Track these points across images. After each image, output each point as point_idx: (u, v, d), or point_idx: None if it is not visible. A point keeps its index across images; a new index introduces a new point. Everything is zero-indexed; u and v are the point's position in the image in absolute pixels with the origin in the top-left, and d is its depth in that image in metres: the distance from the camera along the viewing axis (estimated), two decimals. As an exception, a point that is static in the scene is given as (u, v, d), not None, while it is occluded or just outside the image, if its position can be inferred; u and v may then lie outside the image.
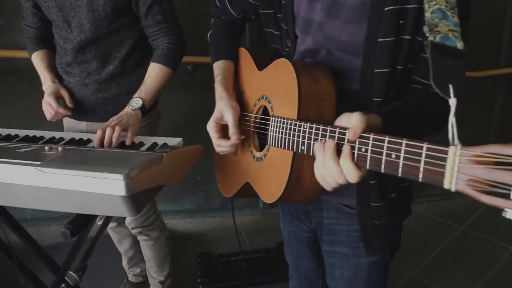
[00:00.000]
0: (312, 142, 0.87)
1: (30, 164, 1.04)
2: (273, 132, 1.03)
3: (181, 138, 1.38)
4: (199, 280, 1.94)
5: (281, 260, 1.99)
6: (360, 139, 0.74)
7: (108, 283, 2.36)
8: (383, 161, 0.70)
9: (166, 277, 2.10)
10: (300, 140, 0.91)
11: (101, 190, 0.99)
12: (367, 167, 0.74)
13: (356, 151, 0.75)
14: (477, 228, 3.05)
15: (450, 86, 0.69)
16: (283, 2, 1.08)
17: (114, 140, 1.31)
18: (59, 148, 1.18)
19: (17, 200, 1.13)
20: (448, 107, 0.98)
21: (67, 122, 1.80)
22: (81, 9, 1.53)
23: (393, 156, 0.68)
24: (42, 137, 1.45)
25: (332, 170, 0.78)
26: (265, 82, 1.14)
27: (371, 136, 0.72)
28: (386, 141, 0.70)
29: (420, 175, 0.64)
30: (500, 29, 3.22)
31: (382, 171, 0.71)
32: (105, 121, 1.57)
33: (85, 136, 1.44)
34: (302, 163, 0.97)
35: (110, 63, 1.64)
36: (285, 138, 0.97)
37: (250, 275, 1.94)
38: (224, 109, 1.14)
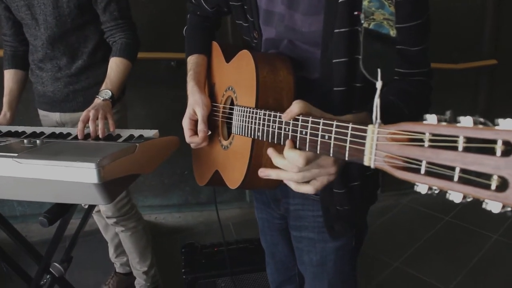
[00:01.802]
0: (265, 128, 0.91)
1: (7, 156, 1.08)
2: (236, 121, 1.08)
3: (157, 130, 1.42)
4: (183, 270, 1.98)
5: (263, 250, 2.04)
6: (302, 123, 0.78)
7: (96, 276, 2.41)
8: (319, 143, 0.74)
9: (149, 267, 2.15)
10: (256, 126, 0.96)
11: (75, 178, 1.03)
12: (307, 149, 0.77)
13: (298, 135, 0.79)
14: (462, 218, 3.11)
15: (378, 70, 0.71)
16: None
17: (101, 132, 1.39)
18: (37, 141, 1.22)
19: (-3, 191, 1.17)
20: (428, 91, 1.05)
21: (42, 113, 1.92)
22: (47, 7, 1.64)
23: (326, 137, 0.72)
24: (23, 132, 1.50)
25: (282, 165, 0.81)
26: (231, 74, 1.19)
27: (310, 119, 0.76)
28: (321, 123, 0.73)
29: (346, 154, 0.67)
30: (482, 20, 3.26)
31: (318, 152, 0.74)
32: (76, 111, 1.81)
33: (65, 131, 1.48)
34: (261, 149, 1.01)
35: (79, 58, 1.76)
36: (245, 125, 1.02)
37: (232, 264, 1.99)
38: (195, 106, 1.19)
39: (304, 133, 0.78)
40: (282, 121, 0.84)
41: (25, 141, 1.23)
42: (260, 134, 0.94)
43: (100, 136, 1.38)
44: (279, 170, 0.83)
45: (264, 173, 0.87)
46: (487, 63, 3.35)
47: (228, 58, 1.21)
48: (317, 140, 0.74)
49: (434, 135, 0.51)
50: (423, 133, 0.52)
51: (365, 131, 0.63)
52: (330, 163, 0.81)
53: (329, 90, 1.02)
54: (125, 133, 1.43)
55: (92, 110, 1.41)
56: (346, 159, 0.68)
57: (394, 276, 2.53)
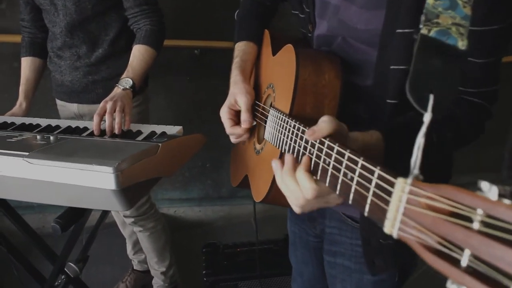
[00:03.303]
0: (292, 143, 0.77)
1: (17, 155, 0.99)
2: (269, 126, 0.95)
3: (181, 127, 1.31)
4: (204, 272, 1.88)
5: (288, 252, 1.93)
6: (327, 150, 0.64)
7: (113, 272, 2.33)
8: (340, 181, 0.59)
9: (168, 267, 2.06)
10: (285, 138, 0.82)
11: (90, 183, 0.93)
12: (326, 184, 0.63)
13: (321, 163, 0.65)
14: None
15: (431, 97, 0.52)
16: None
17: (117, 126, 1.28)
18: (51, 138, 1.12)
19: (6, 191, 1.08)
20: (485, 118, 0.86)
21: (60, 104, 1.82)
22: None
23: (349, 176, 0.57)
24: (38, 125, 1.40)
25: (290, 188, 0.70)
26: (274, 69, 1.05)
27: (335, 147, 0.62)
28: (346, 157, 0.59)
29: (367, 208, 0.52)
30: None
31: (338, 192, 0.60)
32: (95, 102, 1.63)
33: (81, 124, 1.38)
34: None
35: (99, 47, 1.65)
36: (275, 134, 0.89)
37: (257, 267, 1.88)
38: (237, 94, 1.05)
39: (327, 163, 0.64)
40: (308, 141, 0.70)
41: (38, 136, 1.13)
42: (287, 148, 0.81)
43: (116, 132, 1.27)
44: (284, 184, 0.72)
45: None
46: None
47: (275, 51, 1.07)
48: (339, 177, 0.60)
49: (489, 216, 0.34)
50: (474, 209, 0.36)
51: (391, 184, 0.47)
52: (335, 197, 0.69)
53: (380, 101, 0.87)
54: (146, 129, 1.32)
55: (110, 102, 1.30)
56: (366, 214, 0.52)
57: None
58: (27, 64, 1.72)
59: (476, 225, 0.35)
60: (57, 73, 1.72)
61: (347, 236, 1.03)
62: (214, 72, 2.62)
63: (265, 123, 1.03)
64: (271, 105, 1.01)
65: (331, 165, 0.62)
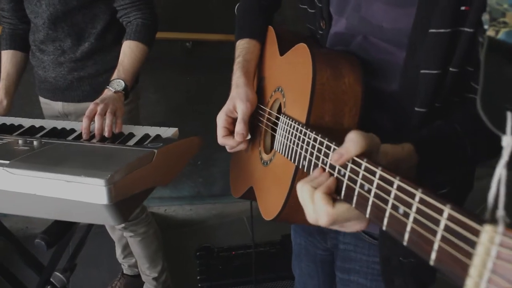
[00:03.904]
0: (313, 159, 0.68)
1: (-4, 163, 0.89)
2: (280, 136, 0.85)
3: (177, 129, 1.21)
4: (198, 277, 1.80)
5: (286, 255, 1.85)
6: (365, 173, 0.55)
7: (102, 276, 2.23)
8: (387, 214, 0.50)
9: (160, 273, 1.97)
10: (303, 152, 0.73)
11: (78, 197, 0.83)
12: (367, 215, 0.54)
13: (357, 188, 0.56)
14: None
15: (509, 114, 0.41)
16: None
17: (107, 129, 1.17)
18: (35, 142, 1.02)
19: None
20: None
21: (44, 101, 1.71)
22: None
23: (401, 211, 0.47)
24: (20, 126, 1.29)
25: (308, 208, 0.62)
26: (282, 70, 0.95)
27: (378, 171, 0.53)
28: (395, 185, 0.49)
29: (433, 256, 0.43)
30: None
31: (384, 228, 0.51)
32: (81, 101, 1.59)
33: (68, 126, 1.27)
34: None
35: (86, 41, 1.54)
36: (289, 145, 0.79)
37: (253, 271, 1.80)
38: (236, 100, 0.96)
39: (366, 189, 0.54)
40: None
41: (20, 141, 1.03)
42: (306, 164, 0.71)
43: (106, 135, 1.17)
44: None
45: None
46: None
47: (282, 50, 0.97)
48: (385, 210, 0.50)
49: None
50: None
51: (476, 233, 0.37)
52: (353, 224, 0.61)
53: (406, 109, 0.78)
54: (138, 131, 1.22)
55: (100, 104, 1.19)
56: (432, 263, 0.43)
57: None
58: (7, 58, 1.59)
59: None
60: (39, 69, 1.61)
61: (363, 253, 0.95)
62: (206, 65, 2.53)
63: (272, 130, 0.94)
64: (280, 111, 0.91)
65: (372, 193, 0.53)
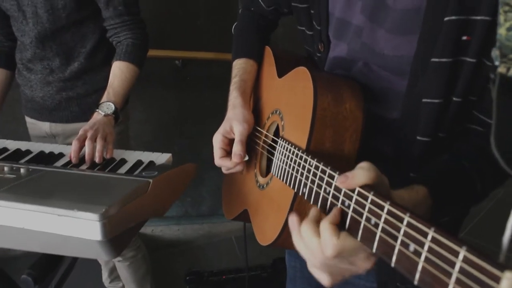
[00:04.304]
0: (315, 187, 0.66)
1: (-20, 194, 0.84)
2: (278, 159, 0.83)
3: (170, 154, 1.17)
4: (188, 304, 1.75)
5: (278, 279, 1.81)
6: (372, 206, 0.53)
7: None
8: (396, 251, 0.48)
9: (148, 298, 1.90)
10: (303, 180, 0.71)
11: (71, 232, 0.79)
12: (374, 250, 0.52)
13: (362, 222, 0.54)
14: (477, 234, 2.93)
15: None
16: None
17: (98, 154, 1.13)
18: (22, 170, 0.96)
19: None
20: None
21: (30, 121, 1.65)
22: None
23: (411, 249, 0.45)
24: (5, 149, 1.23)
25: (312, 244, 0.59)
26: (281, 93, 0.94)
27: (386, 206, 0.50)
28: (405, 222, 0.47)
29: None
30: None
31: (393, 265, 0.49)
32: (69, 121, 1.55)
33: (56, 149, 1.22)
34: (304, 206, 0.76)
35: (75, 60, 1.50)
36: (287, 170, 0.77)
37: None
38: (233, 121, 0.94)
39: (373, 223, 0.52)
40: (340, 189, 0.59)
41: (6, 168, 0.98)
42: (306, 192, 0.69)
43: (97, 161, 1.12)
44: (302, 242, 0.61)
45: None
46: None
47: (281, 71, 0.96)
48: (395, 246, 0.48)
49: None
50: None
51: (497, 279, 0.36)
52: (362, 258, 0.57)
53: (409, 137, 0.77)
54: (130, 156, 1.18)
55: (90, 130, 1.15)
56: None
57: None
58: None
59: None
60: (26, 88, 1.55)
61: (361, 277, 0.92)
62: (196, 84, 2.50)
63: (269, 153, 0.92)
64: (277, 134, 0.89)
65: (380, 227, 0.51)
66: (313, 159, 0.68)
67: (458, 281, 0.39)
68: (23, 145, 1.26)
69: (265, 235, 0.86)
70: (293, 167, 0.75)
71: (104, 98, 1.32)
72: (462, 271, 0.39)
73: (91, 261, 2.05)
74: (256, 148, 0.99)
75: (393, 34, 0.76)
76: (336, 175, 0.61)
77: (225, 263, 2.47)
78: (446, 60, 0.70)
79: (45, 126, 1.59)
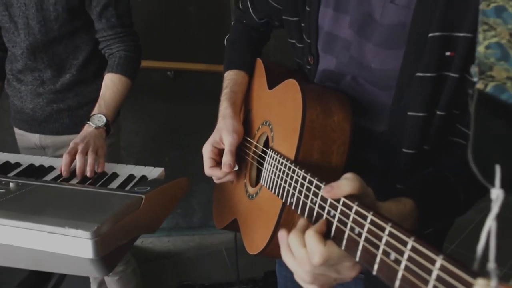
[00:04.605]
0: (302, 197, 0.68)
1: (-32, 209, 0.82)
2: (267, 170, 0.84)
3: (163, 169, 1.16)
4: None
5: (269, 293, 1.80)
6: (356, 216, 0.54)
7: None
8: (378, 259, 0.49)
9: (137, 313, 1.88)
10: (291, 190, 0.72)
11: (61, 250, 0.77)
12: (357, 259, 0.53)
13: (347, 231, 0.55)
14: (467, 247, 2.94)
15: (497, 168, 0.41)
16: (307, 9, 0.89)
17: (89, 168, 1.11)
18: (11, 184, 0.95)
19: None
20: None
21: (19, 132, 1.63)
22: (29, 8, 1.36)
23: (392, 257, 0.47)
24: (-6, 162, 1.21)
25: (299, 254, 0.59)
26: (271, 105, 0.95)
27: (370, 216, 0.52)
28: (387, 231, 0.48)
29: None
30: None
31: (374, 272, 0.50)
32: (59, 134, 1.54)
33: (46, 162, 1.20)
34: (292, 215, 0.77)
35: (66, 72, 1.48)
36: (276, 181, 0.79)
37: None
38: (223, 131, 0.96)
39: (357, 232, 0.53)
40: (326, 199, 0.60)
41: (-5, 182, 0.96)
42: (294, 202, 0.70)
43: (88, 175, 1.11)
44: (290, 253, 0.61)
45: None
46: None
47: (271, 83, 0.97)
48: (376, 255, 0.50)
49: None
50: None
51: (469, 285, 0.37)
52: (348, 267, 0.58)
53: (395, 150, 0.79)
54: (122, 170, 1.16)
55: (81, 144, 1.13)
56: None
57: None
58: None
59: None
60: (16, 99, 1.53)
61: (349, 286, 0.92)
62: (188, 95, 2.49)
63: (258, 163, 0.93)
64: (267, 145, 0.91)
65: (363, 236, 0.52)
66: (301, 170, 0.69)
67: None
68: (12, 158, 1.24)
69: (254, 244, 0.87)
70: (282, 178, 0.76)
71: (95, 110, 1.30)
72: (438, 278, 0.41)
73: (80, 275, 2.02)
74: (246, 158, 1.00)
75: (380, 48, 0.78)
76: (322, 186, 0.62)
77: (216, 275, 2.45)
78: (430, 75, 0.72)
79: (35, 138, 1.57)
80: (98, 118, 1.27)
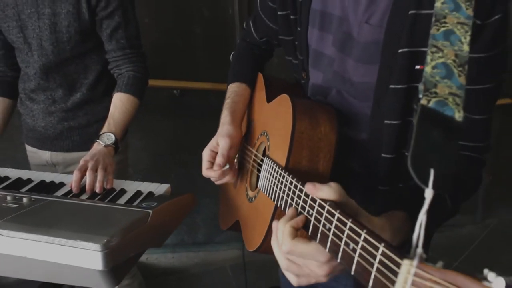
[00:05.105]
0: (289, 200, 0.77)
1: (-16, 223, 0.86)
2: (263, 176, 0.93)
3: (169, 185, 1.20)
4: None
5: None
6: (327, 214, 0.63)
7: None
8: (341, 250, 0.59)
9: (144, 327, 1.89)
10: (281, 193, 0.81)
11: (72, 261, 0.81)
12: (327, 249, 0.63)
13: (320, 227, 0.64)
14: (473, 263, 2.94)
15: (431, 172, 0.50)
16: (299, 29, 0.97)
17: (99, 185, 1.16)
18: (24, 199, 0.99)
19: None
20: (480, 168, 0.87)
21: (30, 150, 1.67)
22: (43, 31, 1.42)
23: (351, 247, 0.57)
24: (6, 178, 1.26)
25: (278, 237, 0.69)
26: (268, 117, 1.04)
27: (336, 214, 0.61)
28: (347, 226, 0.58)
29: (371, 283, 0.52)
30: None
31: (339, 260, 0.60)
32: (70, 151, 1.59)
33: (57, 179, 1.25)
34: (283, 215, 0.85)
35: (77, 91, 1.53)
36: (270, 186, 0.88)
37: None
38: (219, 136, 1.04)
39: (327, 228, 0.63)
40: (307, 201, 0.69)
41: (9, 197, 1.01)
42: (283, 204, 0.79)
43: (98, 191, 1.15)
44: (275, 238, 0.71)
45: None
46: (497, 103, 3.21)
47: (270, 96, 1.06)
48: (340, 246, 0.60)
49: None
50: None
51: (398, 265, 0.47)
52: (315, 265, 0.66)
53: (375, 155, 0.87)
54: (130, 186, 1.20)
55: (91, 161, 1.18)
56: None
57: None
58: None
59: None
60: (28, 117, 1.58)
61: (341, 283, 1.01)
62: (193, 113, 2.54)
63: (257, 170, 1.02)
64: (265, 154, 1.00)
65: (331, 232, 0.61)
66: (289, 176, 0.78)
67: (377, 269, 0.51)
68: (24, 174, 1.28)
69: (253, 241, 0.95)
70: (274, 183, 0.85)
71: (104, 129, 1.35)
72: (380, 262, 0.51)
73: (87, 289, 2.05)
74: (247, 165, 1.09)
75: (359, 63, 0.85)
76: (304, 190, 0.70)
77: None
78: (401, 87, 0.79)
79: (46, 155, 1.61)
80: (107, 137, 1.32)
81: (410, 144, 0.81)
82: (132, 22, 1.47)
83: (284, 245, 0.66)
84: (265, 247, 0.90)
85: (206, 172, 1.05)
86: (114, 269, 0.82)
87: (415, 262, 0.44)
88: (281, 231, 0.68)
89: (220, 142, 1.03)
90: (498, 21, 0.72)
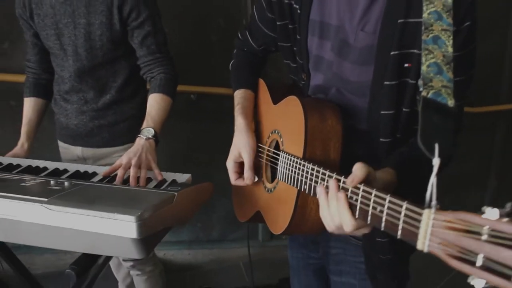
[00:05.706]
0: (313, 183, 0.91)
1: (36, 200, 1.00)
2: (281, 168, 1.06)
3: (190, 175, 1.35)
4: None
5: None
6: (353, 188, 0.78)
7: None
8: (370, 214, 0.74)
9: (164, 313, 2.02)
10: (303, 179, 0.95)
11: (111, 231, 0.95)
12: (356, 217, 0.77)
13: (353, 202, 0.78)
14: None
15: (436, 145, 0.68)
16: (298, 37, 1.10)
17: (141, 181, 1.29)
18: (65, 183, 1.13)
19: (21, 237, 1.08)
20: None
21: (63, 146, 1.83)
22: (78, 38, 1.58)
23: (378, 210, 0.72)
24: (45, 168, 1.41)
25: (334, 212, 0.81)
26: (277, 117, 1.17)
27: (361, 187, 0.76)
28: (373, 194, 0.73)
29: (399, 233, 0.67)
30: (501, 63, 3.23)
31: (368, 223, 0.74)
32: (100, 146, 1.75)
33: (90, 169, 1.40)
34: (306, 199, 1.00)
35: (107, 93, 1.69)
36: (291, 175, 1.01)
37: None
38: (241, 148, 1.17)
39: (354, 199, 0.78)
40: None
41: (52, 182, 1.15)
42: (307, 188, 0.94)
43: (140, 184, 1.28)
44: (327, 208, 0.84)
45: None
46: (505, 107, 3.30)
47: (275, 99, 1.19)
48: (368, 211, 0.74)
49: (494, 230, 0.51)
50: (482, 226, 0.52)
51: (420, 214, 0.63)
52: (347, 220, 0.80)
53: (375, 140, 1.01)
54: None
55: (134, 158, 1.32)
56: (399, 237, 0.67)
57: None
58: (30, 105, 1.73)
59: (484, 237, 0.51)
60: (62, 116, 1.74)
61: (351, 254, 1.14)
62: (209, 116, 2.68)
63: (273, 163, 1.14)
64: (278, 149, 1.12)
65: (359, 202, 0.76)
66: (310, 164, 0.93)
67: (404, 221, 0.66)
68: (60, 165, 1.43)
69: (278, 226, 1.08)
70: (295, 171, 0.99)
71: (144, 125, 1.49)
72: (405, 215, 0.66)
73: (109, 277, 2.19)
74: (261, 161, 1.21)
75: (355, 65, 1.00)
76: (333, 175, 0.84)
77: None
78: (394, 82, 0.94)
79: (77, 150, 1.77)
80: (147, 131, 1.46)
81: (403, 128, 0.99)
82: (161, 30, 1.62)
83: (346, 225, 0.79)
84: (293, 227, 1.03)
85: (236, 182, 1.19)
86: (145, 239, 0.96)
87: (433, 210, 0.60)
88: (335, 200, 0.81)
89: (245, 156, 1.16)
90: (468, 27, 0.88)
